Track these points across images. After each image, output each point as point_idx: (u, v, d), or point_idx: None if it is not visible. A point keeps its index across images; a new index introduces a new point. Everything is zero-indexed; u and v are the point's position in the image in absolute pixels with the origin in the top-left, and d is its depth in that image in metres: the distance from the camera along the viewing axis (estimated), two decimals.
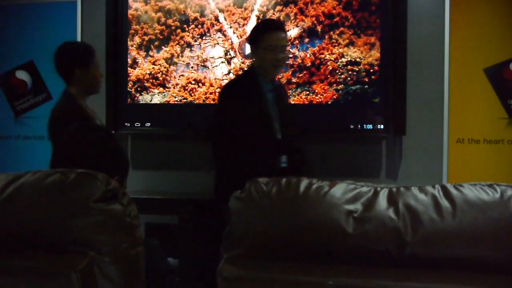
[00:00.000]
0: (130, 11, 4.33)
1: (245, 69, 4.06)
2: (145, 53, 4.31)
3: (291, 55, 4.08)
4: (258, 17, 4.14)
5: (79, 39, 4.51)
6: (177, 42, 4.27)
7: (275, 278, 1.06)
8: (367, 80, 4.01)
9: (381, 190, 1.07)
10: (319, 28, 4.08)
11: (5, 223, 1.15)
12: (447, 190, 1.04)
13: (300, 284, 1.04)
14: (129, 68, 4.33)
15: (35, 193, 1.14)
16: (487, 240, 1.00)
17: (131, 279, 1.19)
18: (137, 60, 4.32)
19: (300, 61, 4.10)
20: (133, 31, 4.33)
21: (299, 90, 4.10)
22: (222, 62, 4.22)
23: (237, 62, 4.20)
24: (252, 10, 4.17)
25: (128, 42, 4.33)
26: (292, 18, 4.11)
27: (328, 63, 4.06)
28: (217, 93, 4.15)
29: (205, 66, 4.24)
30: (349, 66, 4.04)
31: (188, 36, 4.26)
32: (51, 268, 1.09)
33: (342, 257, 1.05)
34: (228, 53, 4.21)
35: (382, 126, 3.94)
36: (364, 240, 1.03)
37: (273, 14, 4.13)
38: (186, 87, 4.26)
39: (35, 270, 1.10)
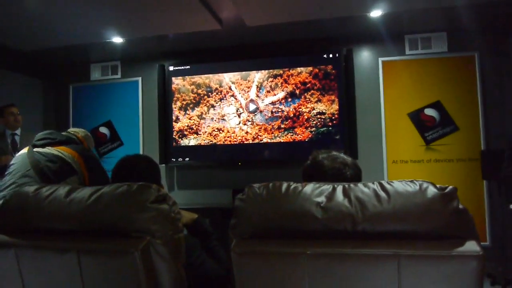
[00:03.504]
0: (173, 85, 4.38)
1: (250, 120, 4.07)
2: (184, 112, 4.34)
3: (280, 110, 4.11)
4: (257, 86, 4.18)
5: (140, 106, 4.55)
6: (204, 104, 4.31)
7: (270, 251, 1.04)
8: (330, 124, 4.02)
9: (337, 186, 1.06)
10: (297, 91, 4.12)
11: (90, 218, 1.14)
12: (383, 185, 1.03)
13: (287, 254, 1.03)
14: (173, 123, 4.36)
15: (111, 198, 1.14)
16: (412, 218, 0.98)
17: (175, 256, 1.17)
18: (179, 117, 4.36)
19: (286, 114, 4.12)
20: (176, 98, 4.37)
21: (286, 132, 4.10)
22: (235, 116, 4.25)
23: (244, 116, 4.22)
24: (253, 82, 4.21)
25: (173, 105, 4.37)
26: (279, 85, 4.15)
27: (304, 114, 4.08)
28: (232, 137, 4.16)
29: (223, 119, 4.26)
30: (318, 116, 4.05)
31: (212, 100, 4.30)
32: (120, 248, 1.08)
33: (315, 234, 1.03)
34: (238, 110, 4.24)
35: (342, 154, 3.92)
36: (329, 222, 1.02)
37: (267, 83, 4.17)
38: (212, 133, 4.27)
39: (109, 250, 1.09)
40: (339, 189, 1.04)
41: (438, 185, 1.01)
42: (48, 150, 2.41)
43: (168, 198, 1.17)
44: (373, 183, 1.04)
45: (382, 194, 1.00)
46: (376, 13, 3.44)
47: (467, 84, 3.86)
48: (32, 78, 4.69)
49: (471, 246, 0.94)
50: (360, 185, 1.04)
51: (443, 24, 3.81)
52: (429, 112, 3.91)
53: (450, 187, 1.00)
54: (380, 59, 4.05)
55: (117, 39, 3.92)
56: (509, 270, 3.59)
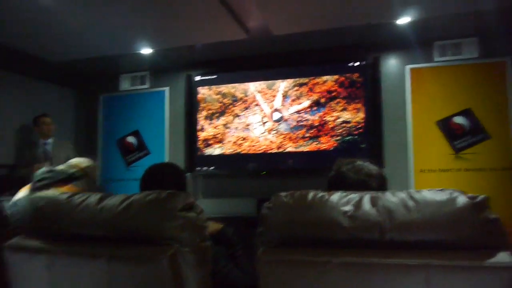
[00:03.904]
0: (199, 95, 4.45)
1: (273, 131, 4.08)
2: (210, 121, 4.39)
3: (304, 119, 4.10)
4: (282, 95, 4.19)
5: (167, 115, 4.63)
6: (229, 113, 4.35)
7: (297, 260, 1.04)
8: (356, 133, 3.98)
9: (365, 195, 1.05)
10: (322, 100, 4.10)
11: (120, 225, 1.17)
12: (411, 193, 1.02)
13: (314, 262, 1.03)
14: (199, 132, 4.41)
15: (140, 206, 1.17)
16: (442, 227, 0.97)
17: (202, 263, 1.19)
18: (204, 126, 4.41)
19: (311, 122, 4.11)
20: (201, 108, 4.43)
21: (311, 141, 4.09)
22: (259, 125, 4.26)
23: (269, 125, 4.23)
24: (278, 91, 4.23)
25: (198, 115, 4.43)
26: (305, 94, 4.15)
27: (329, 123, 4.06)
28: (257, 146, 4.18)
29: (248, 129, 4.29)
30: (343, 124, 4.02)
31: (237, 109, 4.33)
32: (149, 255, 1.10)
33: (341, 243, 1.03)
34: (263, 119, 4.26)
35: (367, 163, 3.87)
36: (356, 231, 1.01)
37: (292, 92, 4.17)
38: (236, 143, 4.30)
39: (138, 257, 1.11)
40: (367, 198, 1.04)
41: (469, 194, 0.99)
42: (50, 193, 2.23)
43: (195, 206, 1.19)
44: (401, 191, 1.03)
45: (411, 202, 0.99)
46: (403, 20, 3.40)
47: (499, 91, 3.75)
48: (64, 88, 4.86)
49: (503, 257, 0.91)
50: (388, 193, 1.03)
51: (473, 29, 3.73)
52: (459, 120, 3.81)
53: (482, 196, 0.98)
54: (408, 67, 4.00)
55: (146, 50, 4.03)
56: None
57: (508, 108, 3.71)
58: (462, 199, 0.97)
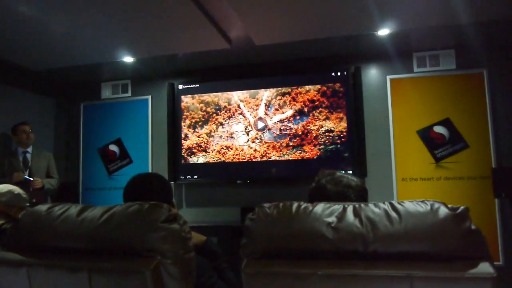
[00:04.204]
0: (182, 104, 4.43)
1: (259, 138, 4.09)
2: (193, 130, 4.37)
3: (288, 128, 4.12)
4: (265, 104, 4.21)
5: (150, 124, 4.59)
6: (213, 122, 4.34)
7: (281, 272, 1.04)
8: (339, 142, 4.02)
9: (348, 206, 1.05)
10: (306, 109, 4.13)
11: (101, 238, 1.15)
12: (394, 205, 1.02)
13: (298, 274, 1.02)
14: (182, 141, 4.39)
15: (122, 217, 1.15)
16: (424, 239, 0.98)
17: (186, 275, 1.17)
18: (188, 135, 4.39)
19: (294, 131, 4.13)
20: (185, 116, 4.41)
21: (294, 150, 4.11)
22: (243, 134, 4.26)
23: (253, 133, 4.24)
24: (261, 100, 4.24)
25: (182, 123, 4.41)
26: (288, 103, 4.17)
27: (313, 131, 4.09)
28: (241, 155, 4.18)
29: (232, 137, 4.28)
30: (326, 133, 4.05)
31: (221, 118, 4.33)
32: (131, 267, 1.08)
33: (325, 255, 1.02)
34: (247, 128, 4.26)
35: (350, 171, 3.92)
36: (340, 243, 1.01)
37: (275, 101, 4.19)
38: (220, 151, 4.29)
39: (120, 269, 1.09)
40: (350, 209, 1.04)
41: (449, 205, 1.01)
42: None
43: (178, 217, 1.17)
44: (383, 203, 1.04)
45: (393, 214, 1.00)
46: (384, 32, 3.47)
47: (477, 101, 3.85)
48: (44, 96, 4.78)
49: (484, 267, 0.93)
50: (370, 205, 1.04)
51: (451, 41, 3.83)
52: (438, 129, 3.90)
53: (462, 207, 1.00)
54: (388, 77, 4.07)
55: (128, 59, 3.99)
56: None
57: (486, 117, 3.80)
58: (443, 211, 0.99)
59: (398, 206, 1.02)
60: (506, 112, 3.80)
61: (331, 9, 2.96)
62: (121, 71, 4.49)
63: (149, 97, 4.63)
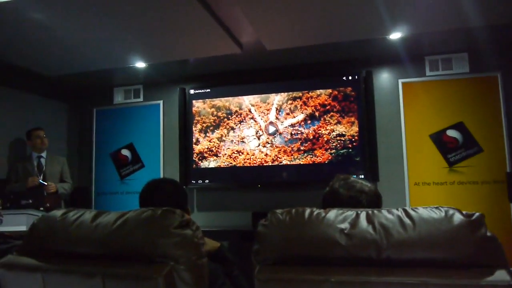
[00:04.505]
0: (193, 108, 4.46)
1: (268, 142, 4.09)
2: (204, 134, 4.39)
3: (299, 132, 4.12)
4: (276, 109, 4.21)
5: (162, 128, 4.63)
6: (224, 127, 4.35)
7: (294, 278, 1.03)
8: (350, 146, 4.00)
9: (361, 213, 1.05)
10: (317, 113, 4.12)
11: (115, 243, 1.16)
12: (407, 211, 1.01)
13: (311, 281, 1.01)
14: (193, 145, 4.41)
15: (136, 223, 1.15)
16: (439, 245, 0.96)
17: (199, 281, 1.17)
18: (199, 140, 4.41)
19: (305, 136, 4.12)
20: (196, 121, 4.43)
21: (305, 154, 4.10)
22: (254, 138, 4.27)
23: (264, 138, 4.24)
24: (272, 104, 4.24)
25: (193, 128, 4.43)
26: (299, 107, 4.17)
27: (324, 136, 4.07)
28: (251, 159, 4.18)
29: (243, 142, 4.29)
30: (338, 137, 4.04)
31: (232, 122, 4.34)
32: (144, 273, 1.08)
33: (339, 261, 1.02)
34: (258, 132, 4.26)
35: (362, 176, 3.89)
36: (353, 249, 1.00)
37: (286, 106, 4.19)
38: (231, 156, 4.30)
39: (133, 275, 1.09)
40: (363, 215, 1.03)
41: (464, 212, 0.99)
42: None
43: (191, 223, 1.17)
44: (397, 209, 1.03)
45: (407, 220, 0.99)
46: (395, 36, 3.45)
47: (490, 105, 3.80)
48: (58, 102, 4.85)
49: (501, 275, 0.91)
50: (384, 211, 1.03)
51: (464, 44, 3.79)
52: (452, 133, 3.85)
53: (477, 213, 0.98)
54: (400, 81, 4.04)
55: (140, 64, 4.03)
56: None
57: (501, 121, 3.75)
58: (458, 217, 0.97)
59: (412, 213, 1.01)
60: None
61: (342, 14, 2.95)
62: (133, 77, 4.54)
63: (161, 102, 4.67)
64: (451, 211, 0.99)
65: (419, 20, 3.12)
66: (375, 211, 1.04)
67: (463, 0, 2.75)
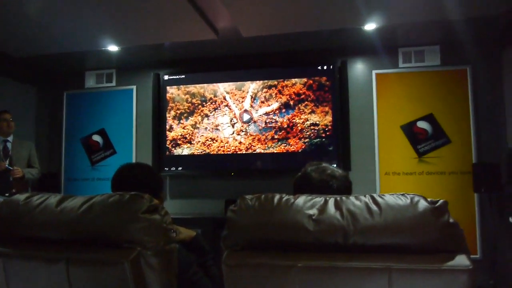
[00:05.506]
0: (167, 94, 4.39)
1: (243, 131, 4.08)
2: (178, 121, 4.34)
3: (273, 121, 4.12)
4: (251, 97, 4.20)
5: (134, 114, 4.54)
6: (198, 114, 4.31)
7: (262, 263, 1.04)
8: (324, 135, 4.03)
9: (330, 199, 1.06)
10: (291, 102, 4.13)
11: (81, 228, 1.13)
12: (375, 198, 1.03)
13: (278, 266, 1.02)
14: (167, 132, 4.35)
15: (102, 208, 1.13)
16: (403, 231, 0.99)
17: (167, 267, 1.16)
18: (173, 126, 4.35)
19: (279, 124, 4.13)
20: (170, 107, 4.37)
21: (279, 143, 4.11)
22: (228, 126, 4.25)
23: (238, 126, 4.22)
24: (247, 92, 4.23)
25: (167, 114, 4.37)
26: (274, 96, 4.17)
27: (298, 125, 4.09)
28: (225, 147, 4.17)
29: (217, 129, 4.27)
30: (312, 127, 4.07)
31: (206, 109, 4.30)
32: (110, 258, 1.07)
33: (306, 247, 1.03)
34: (232, 120, 4.24)
35: (335, 165, 3.94)
36: (321, 235, 1.01)
37: (261, 94, 4.18)
38: (205, 143, 4.27)
39: (100, 260, 1.08)
40: (331, 201, 1.04)
41: (429, 199, 1.02)
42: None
43: (160, 208, 1.16)
44: (364, 196, 1.05)
45: (374, 207, 1.01)
46: (370, 26, 3.48)
47: (460, 97, 3.90)
48: (26, 84, 4.67)
49: (461, 260, 0.94)
50: (352, 198, 1.04)
51: (436, 37, 3.86)
52: (422, 124, 3.94)
53: (441, 200, 1.01)
54: (374, 72, 4.09)
55: (113, 47, 3.93)
56: (500, 283, 3.59)
57: (469, 114, 3.86)
58: (422, 204, 0.99)
59: (379, 199, 1.03)
60: (487, 109, 3.86)
61: (318, 2, 2.95)
62: (105, 60, 4.42)
63: (134, 87, 4.58)
64: (416, 198, 1.02)
65: (393, 12, 3.16)
66: (344, 198, 1.05)
67: None
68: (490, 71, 3.88)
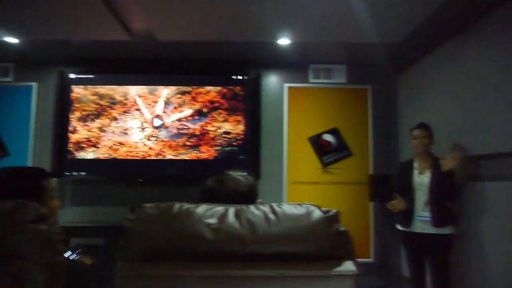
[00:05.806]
0: (73, 94, 4.10)
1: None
2: (83, 123, 4.07)
3: (186, 127, 4.07)
4: (164, 102, 4.10)
5: (33, 113, 4.16)
6: (107, 116, 4.09)
7: (157, 274, 1.01)
8: (235, 144, 4.08)
9: (230, 208, 1.07)
10: (205, 110, 4.12)
11: None
12: (273, 207, 1.06)
13: (175, 276, 1.00)
14: (70, 134, 4.06)
15: None
16: (298, 240, 1.03)
17: (54, 280, 1.07)
18: (77, 128, 4.07)
19: (192, 131, 4.09)
20: (75, 108, 4.09)
21: (191, 150, 4.06)
22: (139, 130, 4.09)
23: (149, 131, 4.09)
24: (160, 97, 4.12)
25: (70, 115, 4.08)
26: (187, 102, 4.12)
27: (210, 132, 4.09)
28: (134, 152, 4.01)
29: (125, 133, 4.09)
30: (224, 135, 4.09)
31: (115, 112, 4.10)
32: None
33: (204, 256, 1.02)
34: (143, 125, 4.10)
35: (246, 173, 3.98)
36: (219, 244, 1.02)
37: (175, 100, 4.11)
38: (112, 147, 4.06)
39: None
40: (231, 210, 1.05)
41: (323, 208, 1.08)
42: None
43: (47, 217, 1.07)
44: (265, 205, 1.07)
45: (271, 216, 1.04)
46: (284, 41, 3.62)
47: (361, 114, 4.23)
48: None
49: (348, 266, 1.01)
50: (252, 207, 1.06)
51: (344, 57, 4.14)
52: (327, 137, 4.19)
53: (334, 210, 1.07)
54: (286, 85, 4.26)
55: (11, 39, 3.57)
56: (391, 284, 3.94)
57: (368, 130, 4.20)
58: (316, 213, 1.05)
59: (277, 209, 1.06)
60: (384, 126, 4.23)
61: (234, 13, 2.99)
62: (2, 53, 4.00)
63: (35, 84, 4.20)
64: (311, 208, 1.07)
65: (306, 30, 3.32)
66: (244, 207, 1.07)
67: (344, 17, 3.00)
68: (387, 92, 4.27)
